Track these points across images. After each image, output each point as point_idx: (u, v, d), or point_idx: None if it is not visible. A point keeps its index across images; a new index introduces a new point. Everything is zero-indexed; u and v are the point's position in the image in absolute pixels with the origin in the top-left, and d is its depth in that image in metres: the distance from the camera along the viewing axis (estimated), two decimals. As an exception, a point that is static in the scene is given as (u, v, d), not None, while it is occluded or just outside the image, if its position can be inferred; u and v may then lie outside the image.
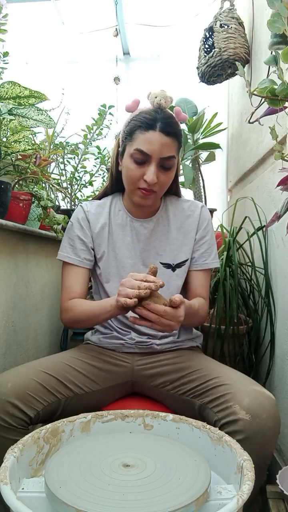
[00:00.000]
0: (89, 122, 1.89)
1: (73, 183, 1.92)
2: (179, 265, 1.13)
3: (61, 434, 0.78)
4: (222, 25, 1.85)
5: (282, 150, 0.78)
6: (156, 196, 1.07)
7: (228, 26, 1.85)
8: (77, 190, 1.94)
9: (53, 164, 1.88)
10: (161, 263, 1.12)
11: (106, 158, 1.98)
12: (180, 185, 1.24)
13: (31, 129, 1.12)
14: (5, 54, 1.02)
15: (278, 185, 0.79)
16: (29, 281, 1.40)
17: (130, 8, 2.42)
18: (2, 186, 1.05)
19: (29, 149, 1.10)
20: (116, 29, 2.48)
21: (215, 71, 1.91)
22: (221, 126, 2.02)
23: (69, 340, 1.88)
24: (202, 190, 2.05)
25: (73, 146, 1.89)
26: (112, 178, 1.17)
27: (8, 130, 1.12)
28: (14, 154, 1.13)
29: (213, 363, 1.04)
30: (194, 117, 2.00)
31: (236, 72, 1.78)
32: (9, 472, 0.62)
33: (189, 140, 2.03)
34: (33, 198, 1.24)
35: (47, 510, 0.61)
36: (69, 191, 1.92)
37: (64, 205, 1.97)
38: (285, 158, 0.78)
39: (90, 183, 1.96)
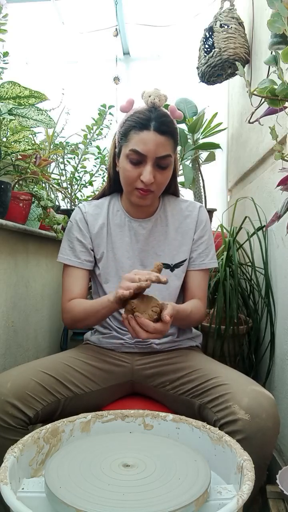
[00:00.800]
0: (89, 122, 1.89)
1: (73, 183, 1.92)
2: (178, 265, 1.13)
3: (61, 434, 0.78)
4: (222, 25, 1.85)
5: (282, 150, 0.78)
6: (154, 195, 1.07)
7: (228, 26, 1.85)
8: (77, 190, 1.94)
9: (53, 164, 1.88)
10: (160, 263, 1.12)
11: (106, 158, 1.98)
12: (180, 185, 1.24)
13: (31, 129, 1.12)
14: (5, 54, 1.02)
15: (278, 185, 0.79)
16: (29, 281, 1.40)
17: (130, 8, 2.42)
18: (2, 186, 1.05)
19: (29, 149, 1.10)
20: (116, 29, 2.48)
21: (215, 71, 1.91)
22: (221, 126, 2.02)
23: (69, 340, 1.88)
24: (202, 190, 2.05)
25: (73, 146, 1.89)
26: (110, 179, 1.17)
27: (8, 130, 1.12)
28: (14, 154, 1.13)
29: (212, 363, 1.04)
30: (194, 117, 2.00)
31: (236, 72, 1.78)
32: (9, 472, 0.62)
33: (189, 140, 2.03)
34: (33, 198, 1.24)
35: (47, 510, 0.61)
36: (69, 191, 1.92)
37: (64, 205, 1.97)
38: (285, 158, 0.78)
39: (90, 183, 1.96)
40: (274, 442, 0.86)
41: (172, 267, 1.13)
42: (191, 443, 0.76)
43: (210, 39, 1.94)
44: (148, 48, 2.65)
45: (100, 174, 2.00)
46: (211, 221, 1.21)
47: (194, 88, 2.18)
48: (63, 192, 1.91)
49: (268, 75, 1.09)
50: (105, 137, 1.93)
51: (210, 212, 1.94)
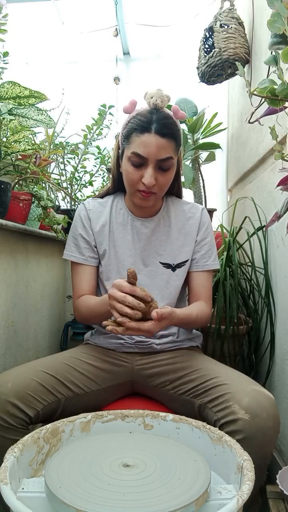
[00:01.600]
0: (89, 122, 1.89)
1: (73, 183, 1.92)
2: (179, 265, 1.13)
3: (61, 434, 0.78)
4: (222, 25, 1.85)
5: (282, 150, 0.78)
6: (156, 197, 1.07)
7: (228, 26, 1.85)
8: (77, 190, 1.94)
9: (53, 164, 1.88)
10: (161, 262, 1.12)
11: (106, 158, 1.98)
12: (180, 185, 1.24)
13: (31, 129, 1.12)
14: (5, 54, 1.02)
15: (278, 185, 0.79)
16: (29, 281, 1.40)
17: (130, 8, 2.42)
18: (2, 186, 1.05)
19: (29, 149, 1.11)
20: (116, 29, 2.48)
21: (215, 71, 1.91)
22: (221, 126, 2.02)
23: (69, 340, 1.89)
24: (202, 190, 2.05)
25: (73, 146, 1.89)
26: (113, 180, 1.17)
27: (8, 130, 1.12)
28: (14, 154, 1.13)
29: (212, 363, 1.04)
30: (194, 117, 2.00)
31: (236, 72, 1.78)
32: (9, 472, 0.62)
33: (189, 140, 2.03)
34: (33, 198, 1.24)
35: (47, 510, 0.61)
36: (69, 191, 1.93)
37: (64, 205, 1.97)
38: (285, 158, 0.78)
39: (90, 183, 1.96)
40: (274, 442, 0.86)
41: (173, 267, 1.13)
42: (191, 443, 0.76)
43: (210, 39, 1.94)
44: (148, 48, 2.65)
45: (100, 174, 2.01)
46: (211, 221, 1.21)
47: (194, 88, 2.18)
48: (63, 192, 1.92)
49: (268, 75, 1.09)
50: (105, 137, 1.93)
51: (210, 212, 1.94)
